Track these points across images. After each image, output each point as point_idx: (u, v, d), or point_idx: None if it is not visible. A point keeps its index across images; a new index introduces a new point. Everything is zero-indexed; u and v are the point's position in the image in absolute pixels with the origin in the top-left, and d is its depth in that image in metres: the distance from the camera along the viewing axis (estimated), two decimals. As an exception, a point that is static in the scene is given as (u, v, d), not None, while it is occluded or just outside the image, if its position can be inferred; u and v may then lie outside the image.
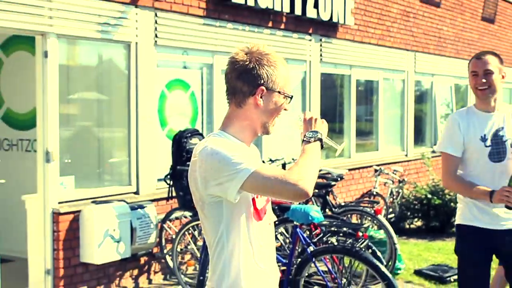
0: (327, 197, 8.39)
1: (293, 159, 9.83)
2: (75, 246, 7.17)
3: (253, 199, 2.66)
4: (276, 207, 6.66)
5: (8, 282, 7.32)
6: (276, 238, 7.74)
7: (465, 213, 4.46)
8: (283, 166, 9.27)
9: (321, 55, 11.00)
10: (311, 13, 10.29)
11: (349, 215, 8.43)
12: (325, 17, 10.60)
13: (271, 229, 2.90)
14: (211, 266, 2.72)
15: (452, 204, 10.66)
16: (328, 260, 6.09)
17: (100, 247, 7.09)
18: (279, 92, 2.68)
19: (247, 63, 2.63)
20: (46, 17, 6.85)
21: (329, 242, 6.43)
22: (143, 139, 7.96)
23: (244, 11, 9.25)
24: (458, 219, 4.54)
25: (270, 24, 9.79)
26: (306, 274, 6.12)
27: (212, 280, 2.69)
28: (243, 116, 2.70)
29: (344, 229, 6.46)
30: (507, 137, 4.31)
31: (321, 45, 10.97)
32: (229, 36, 9.11)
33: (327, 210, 8.25)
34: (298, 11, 10.03)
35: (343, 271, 6.24)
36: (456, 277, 6.49)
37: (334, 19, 10.85)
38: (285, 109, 2.76)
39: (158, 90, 8.20)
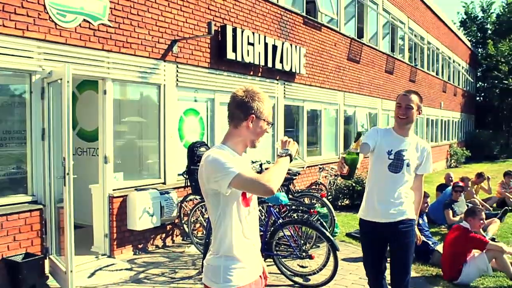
0: (290, 186, 8.31)
1: (267, 161, 9.77)
2: (124, 218, 7.05)
3: (243, 192, 2.63)
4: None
5: (80, 242, 7.16)
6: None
7: (363, 209, 4.13)
8: (260, 165, 9.19)
9: (284, 93, 10.94)
10: (278, 66, 10.26)
11: (304, 198, 8.36)
12: (287, 68, 10.57)
13: (256, 212, 2.84)
14: (213, 236, 2.69)
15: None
16: (291, 229, 5.99)
17: (140, 219, 7.00)
18: (264, 120, 2.68)
19: (244, 97, 2.65)
20: (105, 67, 6.75)
21: (292, 216, 6.37)
22: (168, 148, 7.89)
23: (235, 64, 9.18)
24: (359, 213, 4.20)
25: (251, 73, 9.73)
26: (277, 238, 6.01)
27: (214, 246, 2.66)
28: (238, 134, 2.69)
29: (302, 208, 6.41)
30: (406, 157, 3.94)
31: (284, 87, 10.91)
32: (225, 80, 9.04)
33: (289, 195, 8.19)
34: (270, 64, 10.01)
35: (301, 235, 6.16)
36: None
37: (293, 70, 10.83)
38: (267, 132, 2.76)
39: (178, 116, 8.09)
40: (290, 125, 11.44)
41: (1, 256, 5.57)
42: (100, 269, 6.46)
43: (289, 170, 9.34)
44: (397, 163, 3.92)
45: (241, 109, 2.65)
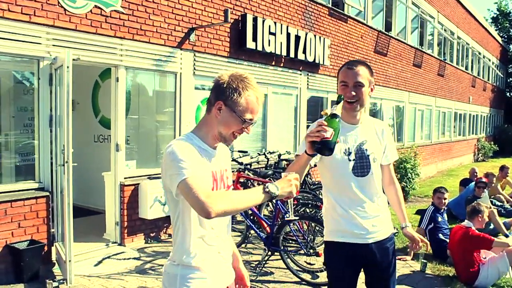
0: (306, 178, 7.65)
1: (287, 151, 9.13)
2: (135, 207, 6.55)
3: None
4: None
5: (94, 228, 6.89)
6: (267, 206, 7.06)
7: (332, 229, 2.75)
8: (279, 156, 8.55)
9: (307, 84, 10.21)
10: (301, 56, 9.54)
11: (320, 190, 7.68)
12: (310, 59, 9.84)
13: (228, 217, 2.19)
14: (172, 239, 2.11)
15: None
16: (299, 224, 5.36)
17: (152, 208, 6.51)
18: (235, 113, 2.01)
19: (222, 80, 2.02)
20: (118, 55, 6.24)
21: (301, 211, 5.74)
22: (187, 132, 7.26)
23: (255, 54, 8.53)
24: (326, 236, 2.80)
25: (273, 63, 9.05)
26: (284, 233, 5.39)
27: (172, 252, 2.09)
28: (207, 123, 2.09)
29: (312, 202, 5.75)
30: (370, 151, 2.68)
31: (308, 78, 10.19)
32: (245, 70, 8.35)
33: (305, 187, 7.53)
34: (292, 55, 9.29)
35: (310, 231, 5.53)
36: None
37: (317, 61, 10.08)
38: (244, 131, 2.08)
39: (195, 105, 7.51)
40: (313, 116, 10.72)
41: (5, 242, 5.17)
42: (109, 257, 6.00)
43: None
44: (362, 163, 2.67)
45: (213, 92, 2.06)
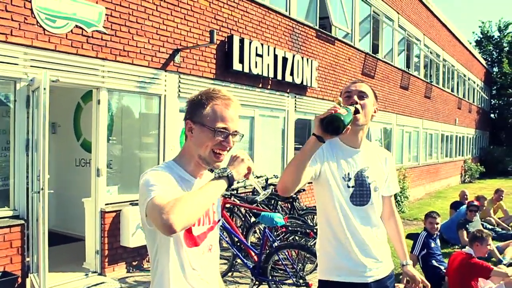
0: (294, 203, 7.42)
1: (274, 175, 8.92)
2: (117, 234, 6.26)
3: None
4: (250, 212, 5.81)
5: (75, 257, 6.56)
6: (254, 233, 6.80)
7: (327, 266, 2.47)
8: (266, 181, 8.32)
9: (295, 107, 10.07)
10: (288, 78, 9.40)
11: (309, 216, 7.45)
12: (298, 81, 9.71)
13: (212, 255, 1.95)
14: (151, 275, 1.88)
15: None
16: (288, 253, 5.12)
17: (134, 235, 6.22)
18: (203, 125, 1.81)
19: (190, 99, 1.91)
20: (100, 76, 6.03)
21: (289, 239, 5.51)
22: (168, 160, 7.01)
23: (242, 76, 8.37)
24: (320, 273, 2.52)
25: (260, 85, 8.90)
26: (272, 262, 5.13)
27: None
28: (188, 149, 1.90)
29: (301, 229, 5.52)
30: (371, 179, 2.44)
31: (295, 100, 10.05)
32: (232, 93, 8.15)
33: (294, 212, 7.30)
34: (279, 77, 9.15)
35: (299, 260, 5.28)
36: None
37: (304, 83, 9.95)
38: (227, 145, 1.84)
39: (180, 128, 7.25)
40: (300, 139, 10.55)
41: (-25, 274, 4.86)
42: (88, 288, 5.70)
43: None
44: (361, 192, 2.41)
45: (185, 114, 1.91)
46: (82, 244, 6.76)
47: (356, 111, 2.31)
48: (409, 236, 8.87)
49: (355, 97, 2.41)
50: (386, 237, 2.59)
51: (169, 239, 1.77)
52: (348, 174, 2.42)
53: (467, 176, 25.64)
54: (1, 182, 5.30)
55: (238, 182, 7.75)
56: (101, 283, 5.84)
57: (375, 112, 2.54)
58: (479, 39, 40.76)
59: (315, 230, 5.39)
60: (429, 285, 2.69)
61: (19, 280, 5.12)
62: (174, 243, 1.79)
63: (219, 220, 2.02)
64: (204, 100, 1.84)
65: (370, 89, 2.54)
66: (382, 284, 2.48)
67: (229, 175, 1.75)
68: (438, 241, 6.58)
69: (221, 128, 1.81)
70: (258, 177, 8.12)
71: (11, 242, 5.09)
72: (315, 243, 5.17)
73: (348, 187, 2.40)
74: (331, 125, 1.99)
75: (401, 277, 6.12)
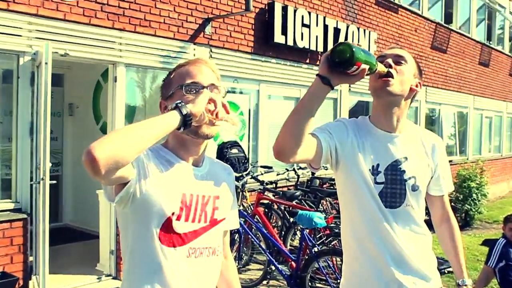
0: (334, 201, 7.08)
1: (323, 166, 8.57)
2: (135, 232, 6.12)
3: (169, 218, 1.60)
4: (286, 211, 5.55)
5: (89, 256, 6.48)
6: (295, 236, 6.52)
7: (352, 285, 2.16)
8: (313, 173, 8.00)
9: (349, 86, 9.62)
10: (341, 53, 8.98)
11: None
12: (353, 56, 9.26)
13: (209, 262, 1.71)
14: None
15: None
16: (330, 260, 4.82)
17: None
18: (172, 94, 1.69)
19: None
20: (116, 50, 5.88)
21: (333, 243, 5.20)
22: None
23: (285, 50, 8.05)
24: None
25: (307, 61, 8.55)
26: (311, 271, 4.85)
27: None
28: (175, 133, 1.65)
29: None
30: (409, 174, 2.07)
31: (350, 79, 9.60)
32: (273, 69, 7.95)
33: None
34: (330, 51, 8.75)
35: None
36: (450, 269, 5.09)
37: (361, 59, 9.48)
38: (213, 102, 1.59)
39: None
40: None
41: (-28, 275, 4.84)
42: (100, 293, 5.61)
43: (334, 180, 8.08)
44: (394, 190, 2.05)
45: None
46: (98, 242, 6.73)
47: (389, 75, 2.01)
48: (486, 243, 8.33)
49: (389, 60, 2.06)
50: (430, 247, 2.22)
51: (145, 230, 1.59)
52: (377, 166, 2.05)
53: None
54: (4, 171, 5.26)
55: (278, 174, 7.45)
56: (115, 288, 5.75)
57: (417, 86, 2.14)
58: None
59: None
60: None
61: (21, 282, 5.07)
62: (146, 240, 1.61)
63: (222, 220, 1.77)
64: (170, 74, 1.76)
65: (412, 58, 2.18)
66: None
67: (180, 105, 1.51)
68: (517, 248, 6.06)
69: (189, 83, 1.66)
70: (302, 168, 7.77)
71: (12, 239, 5.04)
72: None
73: (376, 183, 2.04)
74: (338, 55, 1.75)
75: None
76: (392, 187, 2.05)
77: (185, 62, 1.77)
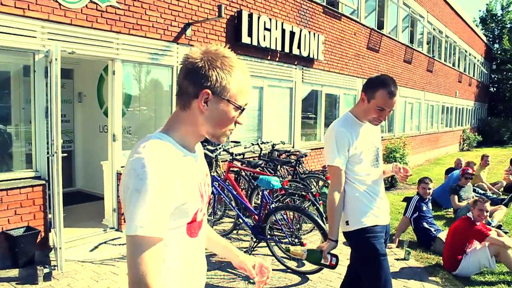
0: (297, 167, 7.20)
1: (281, 141, 8.70)
2: (133, 194, 6.13)
3: (195, 213, 1.38)
4: (251, 177, 5.60)
5: (96, 213, 6.53)
6: (258, 196, 6.62)
7: (368, 214, 2.69)
8: (273, 146, 8.11)
9: (302, 77, 9.70)
10: (296, 51, 9.03)
11: (311, 179, 7.24)
12: (305, 54, 9.32)
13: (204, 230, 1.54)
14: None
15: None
16: (285, 214, 4.93)
17: (148, 195, 6.07)
18: (228, 101, 1.32)
19: (197, 61, 1.28)
20: (114, 48, 5.80)
21: (287, 201, 5.31)
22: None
23: (251, 49, 8.04)
24: (361, 223, 2.69)
25: (268, 57, 8.56)
26: (270, 222, 4.96)
27: None
28: (187, 121, 1.35)
29: (298, 192, 5.30)
30: (377, 145, 2.80)
31: (302, 72, 9.68)
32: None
33: (296, 176, 7.09)
34: (287, 50, 8.79)
35: (296, 221, 5.09)
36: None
37: (311, 56, 9.56)
38: (238, 123, 1.40)
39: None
40: (307, 109, 10.25)
41: (1, 229, 4.80)
42: (105, 242, 5.63)
43: (296, 151, 8.23)
44: (376, 156, 2.80)
45: (191, 80, 1.31)
46: (103, 203, 6.74)
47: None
48: (405, 199, 8.64)
49: (386, 114, 2.66)
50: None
51: (178, 229, 1.36)
52: (372, 142, 2.80)
53: (465, 145, 24.98)
54: (26, 147, 5.20)
55: (245, 147, 7.54)
56: (117, 238, 5.77)
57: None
58: (484, 16, 38.99)
59: (310, 193, 5.18)
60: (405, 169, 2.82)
61: (42, 234, 5.07)
62: (180, 234, 1.38)
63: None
64: (226, 69, 1.32)
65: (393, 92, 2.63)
66: (387, 227, 2.91)
67: None
68: (430, 204, 6.32)
69: (244, 105, 1.37)
70: (264, 143, 7.90)
71: (34, 200, 5.03)
72: (310, 204, 4.97)
73: (370, 153, 2.79)
74: (308, 261, 2.82)
75: (393, 238, 5.92)
76: (375, 154, 2.80)
77: (234, 60, 1.36)
